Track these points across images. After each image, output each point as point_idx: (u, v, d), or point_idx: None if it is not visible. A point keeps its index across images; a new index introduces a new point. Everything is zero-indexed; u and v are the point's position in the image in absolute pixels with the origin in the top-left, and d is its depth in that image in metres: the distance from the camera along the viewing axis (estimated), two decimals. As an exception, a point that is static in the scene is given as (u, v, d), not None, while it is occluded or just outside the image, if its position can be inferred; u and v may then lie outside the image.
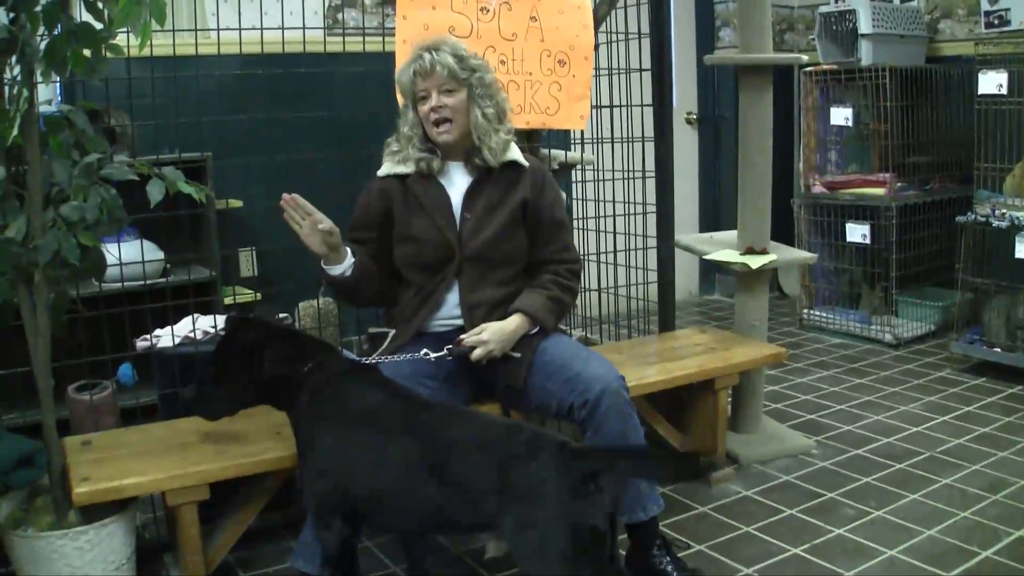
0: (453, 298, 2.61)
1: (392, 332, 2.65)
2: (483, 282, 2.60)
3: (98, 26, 2.18)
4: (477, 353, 2.48)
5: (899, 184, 4.87)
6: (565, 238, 2.73)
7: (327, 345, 2.45)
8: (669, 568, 2.50)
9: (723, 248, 3.54)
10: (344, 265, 2.52)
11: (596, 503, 1.95)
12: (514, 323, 2.54)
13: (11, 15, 2.10)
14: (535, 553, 1.94)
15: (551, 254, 2.67)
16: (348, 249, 2.53)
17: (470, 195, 2.61)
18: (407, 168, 2.61)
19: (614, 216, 3.79)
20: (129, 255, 3.03)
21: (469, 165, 2.63)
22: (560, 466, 1.96)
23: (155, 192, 2.30)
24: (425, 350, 2.49)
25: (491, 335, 2.49)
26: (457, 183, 2.64)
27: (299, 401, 2.22)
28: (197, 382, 2.34)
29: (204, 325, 2.96)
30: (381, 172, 2.65)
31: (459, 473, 2.03)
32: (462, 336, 2.51)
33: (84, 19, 2.18)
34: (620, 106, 3.68)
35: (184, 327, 2.95)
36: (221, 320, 2.97)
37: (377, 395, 2.22)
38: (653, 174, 3.59)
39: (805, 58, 3.84)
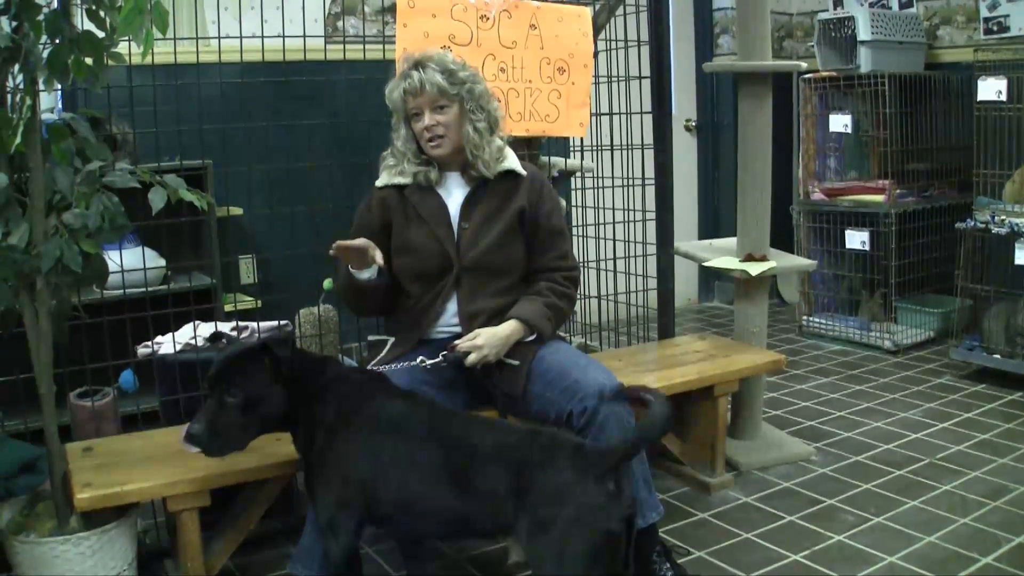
0: (452, 308, 2.62)
1: (391, 340, 2.66)
2: (481, 292, 2.60)
3: (100, 34, 2.20)
4: (471, 358, 2.48)
5: (898, 191, 4.88)
6: (563, 246, 2.73)
7: (331, 357, 2.46)
8: (669, 575, 2.51)
9: (722, 255, 3.54)
10: (372, 269, 2.53)
11: (614, 505, 1.96)
12: (508, 328, 2.54)
13: (14, 23, 2.11)
14: (552, 557, 1.95)
15: (549, 262, 2.67)
16: (378, 253, 2.52)
17: (467, 205, 2.62)
18: (405, 179, 2.62)
19: (613, 223, 3.80)
20: (130, 262, 3.04)
21: (466, 176, 2.64)
22: (577, 468, 1.97)
23: (157, 200, 2.30)
24: (421, 357, 2.50)
25: (485, 340, 2.50)
26: (454, 193, 2.65)
27: (317, 413, 2.22)
28: (206, 419, 2.17)
29: (205, 332, 2.96)
30: (379, 183, 2.67)
31: (479, 478, 2.04)
32: (456, 342, 2.52)
33: (86, 28, 2.19)
34: (620, 113, 3.69)
35: (185, 334, 2.96)
36: (224, 327, 2.99)
37: (401, 403, 2.23)
38: (652, 181, 3.60)
39: (804, 65, 3.85)
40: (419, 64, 2.55)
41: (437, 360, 2.49)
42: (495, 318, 2.59)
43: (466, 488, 2.05)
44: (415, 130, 2.59)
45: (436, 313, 2.62)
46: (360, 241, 2.47)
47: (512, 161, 2.66)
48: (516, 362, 2.54)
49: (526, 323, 2.56)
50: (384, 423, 2.18)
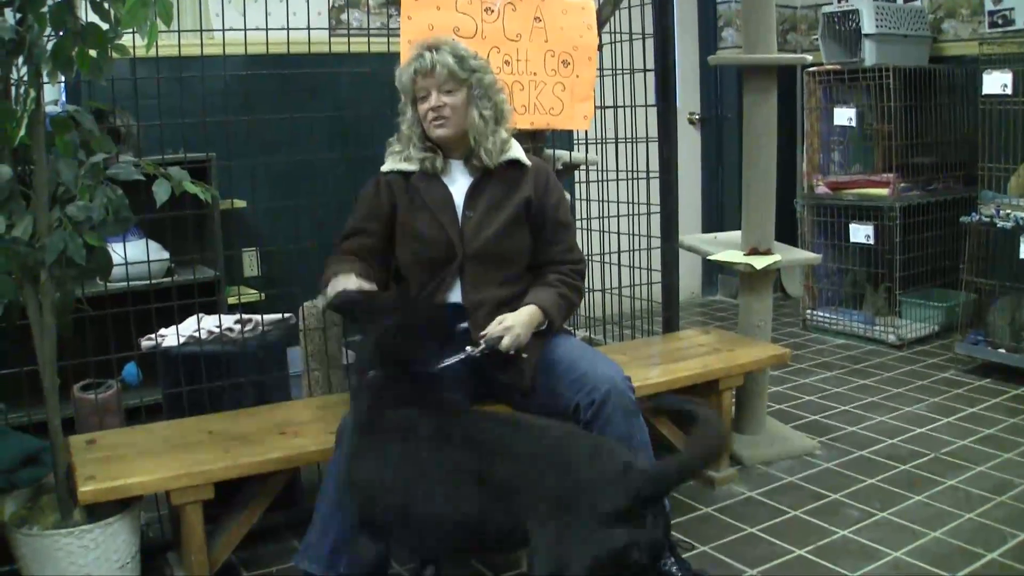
0: (456, 298, 2.61)
1: None
2: (486, 281, 2.60)
3: (104, 27, 2.19)
4: (506, 341, 2.45)
5: (903, 184, 4.86)
6: (570, 239, 2.73)
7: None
8: (674, 569, 2.50)
9: (727, 249, 3.54)
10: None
11: (646, 537, 1.86)
12: (528, 312, 2.53)
13: (18, 16, 2.10)
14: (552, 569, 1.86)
15: (556, 255, 2.67)
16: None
17: (472, 193, 2.62)
18: (411, 166, 2.62)
19: (618, 216, 3.79)
20: (134, 255, 3.03)
21: (469, 165, 2.64)
22: (619, 487, 1.87)
23: (161, 192, 2.30)
24: (468, 347, 2.46)
25: (513, 321, 2.48)
26: (459, 181, 2.64)
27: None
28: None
29: (209, 325, 2.96)
30: (385, 168, 2.66)
31: (507, 480, 1.96)
32: (484, 332, 2.48)
33: (90, 20, 2.19)
34: (624, 106, 3.68)
35: (189, 327, 2.95)
36: (227, 320, 2.98)
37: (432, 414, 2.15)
38: (657, 174, 3.59)
39: (809, 58, 3.83)
40: (432, 46, 2.56)
41: (473, 352, 2.45)
42: (500, 309, 2.58)
43: (491, 494, 1.96)
44: (420, 112, 2.58)
45: (440, 302, 2.61)
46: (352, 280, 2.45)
47: (517, 151, 2.67)
48: (525, 355, 2.54)
49: (542, 310, 2.55)
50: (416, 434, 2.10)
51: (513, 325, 2.47)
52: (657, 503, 1.94)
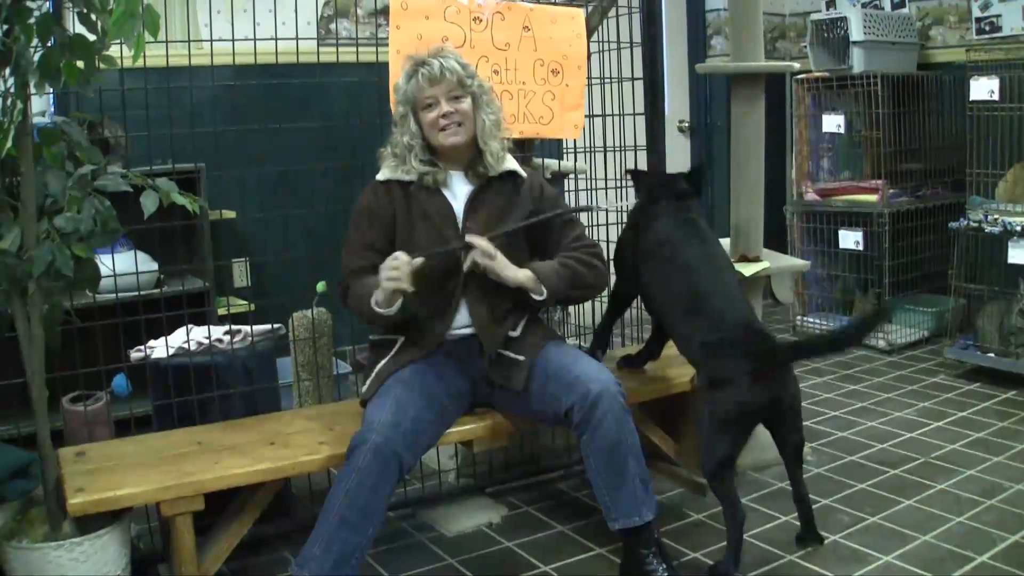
0: (462, 310, 2.61)
1: (400, 339, 2.64)
2: (490, 292, 2.59)
3: (91, 38, 2.19)
4: (473, 260, 2.49)
5: (891, 191, 4.88)
6: (576, 230, 2.74)
7: None
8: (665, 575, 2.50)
9: (716, 256, 3.53)
10: (397, 305, 2.50)
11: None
12: (520, 272, 2.55)
13: (5, 27, 2.10)
14: None
15: (567, 245, 2.69)
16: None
17: (472, 205, 2.62)
18: (410, 176, 2.60)
19: (607, 224, 3.79)
20: (123, 266, 3.03)
21: (469, 174, 2.64)
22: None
23: (149, 204, 2.30)
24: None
25: (498, 263, 2.51)
26: (458, 193, 2.64)
27: None
28: None
29: (198, 335, 2.96)
30: (382, 177, 2.63)
31: None
32: (472, 238, 2.51)
33: (78, 31, 2.19)
34: (612, 115, 3.69)
35: (178, 338, 2.95)
36: (216, 331, 2.98)
37: None
38: (646, 183, 3.59)
39: (797, 66, 3.85)
40: (435, 55, 2.56)
41: (440, 251, 2.51)
42: (507, 317, 2.61)
43: None
44: (426, 121, 2.56)
45: (445, 315, 2.61)
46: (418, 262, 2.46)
47: (512, 162, 2.68)
48: (522, 358, 2.56)
49: (536, 273, 2.56)
50: None
51: (493, 266, 2.50)
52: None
